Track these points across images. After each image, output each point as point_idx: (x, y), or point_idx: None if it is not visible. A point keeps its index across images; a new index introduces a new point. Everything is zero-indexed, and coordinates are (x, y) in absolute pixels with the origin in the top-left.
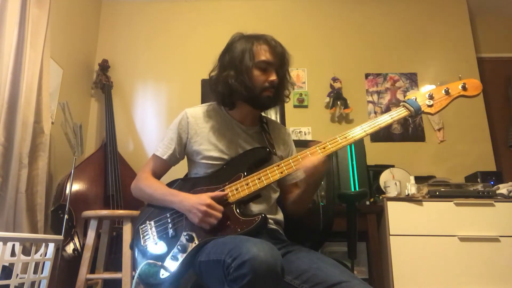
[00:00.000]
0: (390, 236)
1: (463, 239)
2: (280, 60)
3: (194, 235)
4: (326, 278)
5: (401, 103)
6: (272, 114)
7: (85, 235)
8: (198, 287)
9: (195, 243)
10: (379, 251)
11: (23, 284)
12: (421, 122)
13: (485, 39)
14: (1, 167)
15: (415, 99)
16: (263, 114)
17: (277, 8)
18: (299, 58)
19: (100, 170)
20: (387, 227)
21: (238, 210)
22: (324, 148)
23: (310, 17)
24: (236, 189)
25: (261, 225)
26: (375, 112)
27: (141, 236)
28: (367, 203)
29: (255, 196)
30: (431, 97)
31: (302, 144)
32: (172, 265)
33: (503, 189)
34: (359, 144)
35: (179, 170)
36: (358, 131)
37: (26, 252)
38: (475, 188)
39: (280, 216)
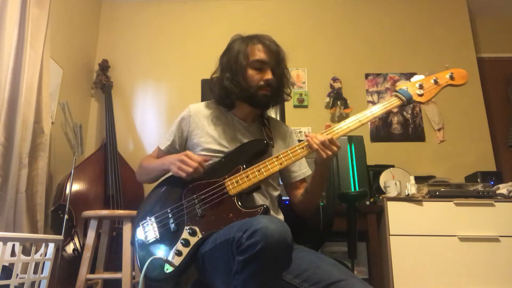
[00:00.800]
0: (390, 236)
1: (463, 239)
2: (275, 59)
3: (197, 229)
4: (325, 276)
5: (393, 93)
6: (272, 114)
7: (85, 235)
8: (199, 285)
9: (198, 236)
10: (379, 251)
11: (23, 284)
12: (421, 122)
13: (485, 39)
14: (1, 167)
15: (406, 89)
16: (265, 113)
17: (277, 8)
18: (299, 58)
19: (100, 170)
20: (387, 227)
21: (239, 203)
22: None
23: (310, 17)
24: (237, 182)
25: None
26: None
27: (143, 232)
28: (367, 203)
29: (256, 188)
30: (421, 86)
31: None
32: (176, 260)
33: (503, 189)
34: (359, 144)
35: None
36: (353, 121)
37: (26, 252)
38: (475, 188)
39: (280, 216)
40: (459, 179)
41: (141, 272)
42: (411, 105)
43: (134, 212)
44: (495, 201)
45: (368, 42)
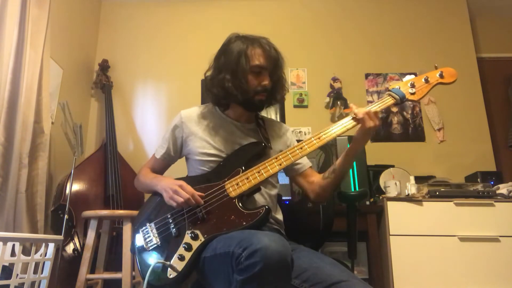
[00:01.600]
0: (390, 236)
1: (463, 239)
2: (273, 65)
3: (199, 232)
4: (326, 277)
5: (387, 93)
6: (272, 114)
7: (85, 235)
8: (199, 287)
9: (201, 240)
10: (379, 251)
11: (23, 284)
12: (421, 122)
13: (485, 39)
14: (1, 167)
15: (399, 88)
16: (259, 113)
17: (277, 8)
18: (299, 58)
19: (100, 170)
20: (387, 227)
21: (240, 204)
22: (319, 138)
23: (310, 17)
24: (237, 184)
25: (266, 216)
26: None
27: (143, 239)
28: (367, 203)
29: (255, 190)
30: (412, 85)
31: None
32: (179, 265)
33: (503, 189)
34: None
35: (181, 171)
36: (348, 121)
37: (26, 252)
38: (475, 188)
39: (280, 216)
40: (459, 179)
41: (143, 279)
42: (411, 105)
43: (134, 212)
44: (495, 201)
45: (368, 42)
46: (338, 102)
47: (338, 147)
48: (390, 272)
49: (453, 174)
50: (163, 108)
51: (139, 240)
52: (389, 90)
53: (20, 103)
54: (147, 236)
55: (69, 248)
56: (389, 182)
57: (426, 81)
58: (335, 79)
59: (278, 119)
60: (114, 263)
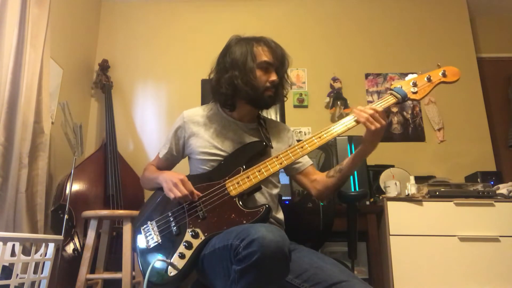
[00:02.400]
0: (390, 236)
1: (463, 239)
2: (280, 61)
3: (199, 230)
4: (326, 277)
5: (388, 92)
6: (272, 114)
7: (85, 235)
8: (199, 286)
9: (201, 238)
10: (379, 251)
11: (23, 284)
12: (421, 122)
13: (485, 39)
14: (1, 167)
15: (401, 87)
16: (261, 114)
17: (277, 8)
18: (299, 58)
19: (100, 170)
20: (387, 227)
21: (240, 203)
22: (320, 137)
23: (310, 17)
24: (238, 183)
25: (266, 215)
26: None
27: (144, 237)
28: (367, 203)
29: (256, 189)
30: (415, 84)
31: None
32: (180, 263)
33: (503, 189)
34: (359, 144)
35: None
36: (350, 120)
37: (26, 252)
38: (475, 188)
39: (280, 215)
40: (459, 179)
41: (143, 277)
42: (411, 105)
43: (134, 212)
44: (495, 201)
45: (368, 42)
46: (338, 102)
47: (338, 147)
48: (390, 272)
49: (453, 174)
50: (163, 108)
51: (140, 238)
52: (390, 89)
53: (20, 103)
54: (148, 234)
55: (69, 248)
56: (389, 182)
57: (429, 80)
58: (335, 79)
59: (278, 119)
60: (114, 263)
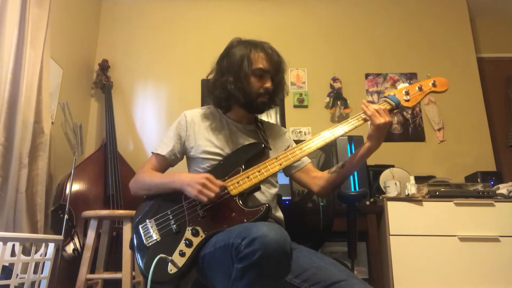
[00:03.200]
0: (390, 236)
1: (463, 239)
2: (275, 68)
3: (199, 229)
4: (326, 277)
5: (383, 99)
6: (272, 114)
7: (85, 235)
8: (199, 286)
9: (201, 236)
10: (379, 251)
11: (23, 284)
12: (421, 122)
13: (485, 39)
14: (1, 167)
15: (394, 95)
16: (258, 117)
17: (277, 8)
18: (299, 58)
19: (100, 170)
20: (387, 227)
21: (241, 202)
22: (322, 139)
23: (310, 17)
24: (238, 183)
25: (266, 214)
26: None
27: (143, 235)
28: (367, 203)
29: (256, 189)
30: (407, 93)
31: None
32: (180, 261)
33: (503, 189)
34: (358, 144)
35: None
36: (346, 125)
37: (26, 252)
38: (475, 188)
39: (279, 214)
40: (459, 179)
41: (144, 275)
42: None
43: (134, 212)
44: (495, 201)
45: (368, 42)
46: (338, 102)
47: (338, 147)
48: (390, 272)
49: (453, 174)
50: (163, 108)
51: (139, 237)
52: (385, 96)
53: (20, 103)
54: (147, 232)
55: (69, 248)
56: (389, 182)
57: (420, 89)
58: (335, 79)
59: (278, 119)
60: (114, 263)
